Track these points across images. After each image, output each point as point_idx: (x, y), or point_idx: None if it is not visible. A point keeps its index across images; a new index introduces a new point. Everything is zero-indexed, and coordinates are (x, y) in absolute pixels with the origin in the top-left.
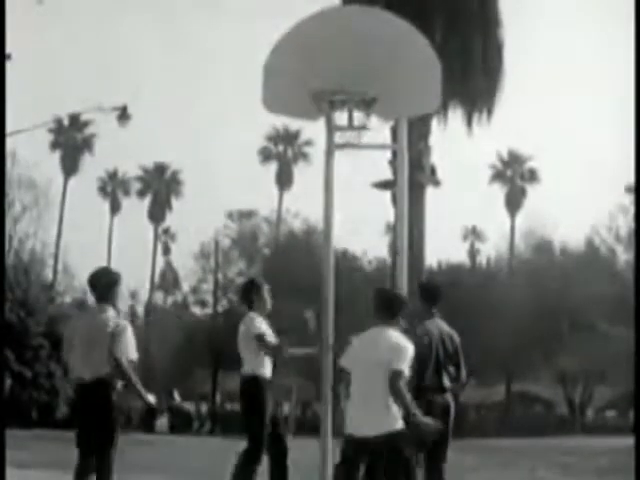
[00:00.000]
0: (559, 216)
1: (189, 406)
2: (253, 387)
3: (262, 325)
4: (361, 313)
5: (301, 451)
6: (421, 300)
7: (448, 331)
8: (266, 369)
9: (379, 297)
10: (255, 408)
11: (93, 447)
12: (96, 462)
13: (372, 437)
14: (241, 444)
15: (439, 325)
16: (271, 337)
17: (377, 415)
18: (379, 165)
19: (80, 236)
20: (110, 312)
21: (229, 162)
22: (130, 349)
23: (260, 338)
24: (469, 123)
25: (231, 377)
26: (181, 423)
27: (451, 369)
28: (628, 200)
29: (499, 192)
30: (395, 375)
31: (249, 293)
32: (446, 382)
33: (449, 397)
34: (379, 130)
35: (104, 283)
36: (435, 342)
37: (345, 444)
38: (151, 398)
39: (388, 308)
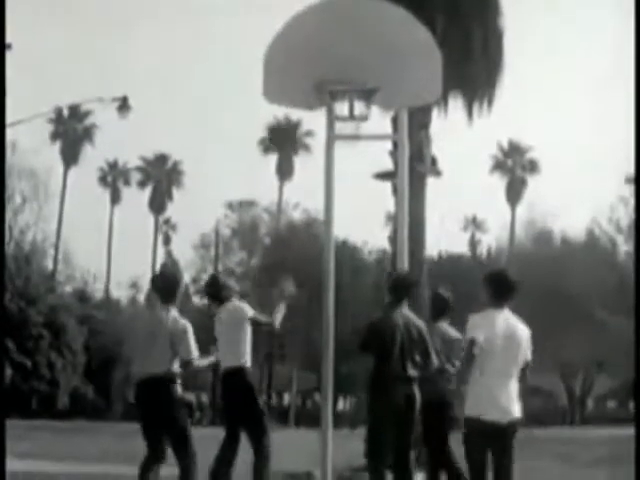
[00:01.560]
0: (559, 207)
1: (190, 396)
2: (245, 380)
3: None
4: (361, 302)
5: (301, 441)
6: (389, 293)
7: (414, 321)
8: (249, 360)
9: (502, 280)
10: (254, 403)
11: (162, 443)
12: (177, 460)
13: (513, 422)
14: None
15: (404, 315)
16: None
17: (515, 400)
18: (379, 155)
19: (80, 226)
20: (173, 312)
21: (230, 153)
22: (193, 348)
23: (255, 320)
24: (469, 113)
25: None
26: None
27: (417, 358)
28: (628, 191)
29: (500, 182)
30: (528, 365)
31: (219, 291)
32: (411, 371)
33: (414, 387)
34: (380, 120)
35: (168, 285)
36: (399, 332)
37: (478, 429)
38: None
39: (509, 291)
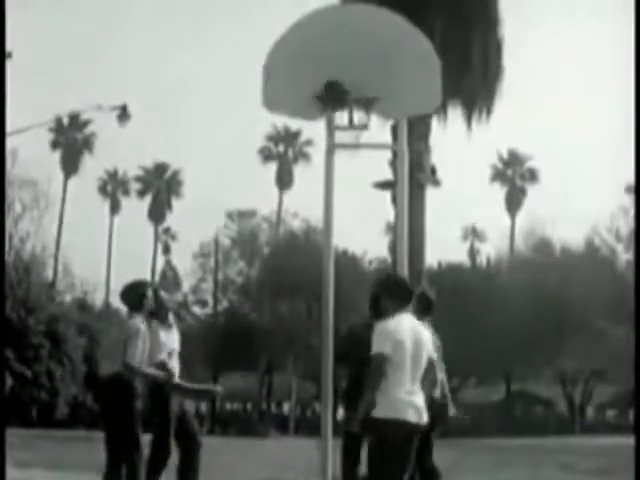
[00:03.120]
0: (559, 216)
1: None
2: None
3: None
4: (361, 311)
5: (301, 450)
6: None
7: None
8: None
9: (402, 285)
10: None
11: (115, 447)
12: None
13: (425, 425)
14: (240, 443)
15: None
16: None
17: (424, 403)
18: (379, 165)
19: (80, 236)
20: (135, 319)
21: (229, 162)
22: (133, 352)
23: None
24: (469, 123)
25: (231, 377)
26: None
27: None
28: (628, 200)
29: (499, 192)
30: (432, 363)
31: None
32: None
33: None
34: (379, 130)
35: (130, 295)
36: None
37: (399, 430)
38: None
39: (410, 296)
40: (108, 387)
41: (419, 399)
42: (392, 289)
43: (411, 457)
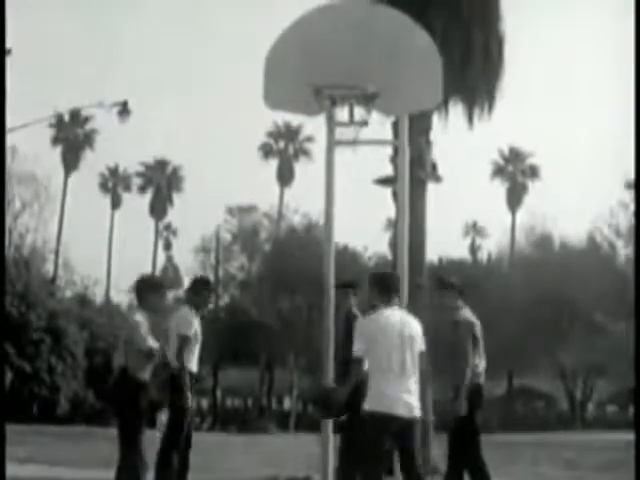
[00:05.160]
0: (560, 212)
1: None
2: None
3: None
4: (362, 307)
5: (301, 446)
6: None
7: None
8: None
9: (388, 278)
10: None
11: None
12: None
13: (416, 419)
14: (241, 439)
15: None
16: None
17: (416, 395)
18: (380, 161)
19: (81, 231)
20: (138, 315)
21: (230, 158)
22: (141, 339)
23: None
24: (470, 119)
25: (232, 372)
26: None
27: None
28: (628, 196)
29: (500, 188)
30: (423, 355)
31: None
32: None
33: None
34: (380, 126)
35: (136, 289)
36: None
37: (385, 423)
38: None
39: (395, 289)
40: (116, 382)
41: (408, 394)
42: (376, 284)
43: (385, 450)
